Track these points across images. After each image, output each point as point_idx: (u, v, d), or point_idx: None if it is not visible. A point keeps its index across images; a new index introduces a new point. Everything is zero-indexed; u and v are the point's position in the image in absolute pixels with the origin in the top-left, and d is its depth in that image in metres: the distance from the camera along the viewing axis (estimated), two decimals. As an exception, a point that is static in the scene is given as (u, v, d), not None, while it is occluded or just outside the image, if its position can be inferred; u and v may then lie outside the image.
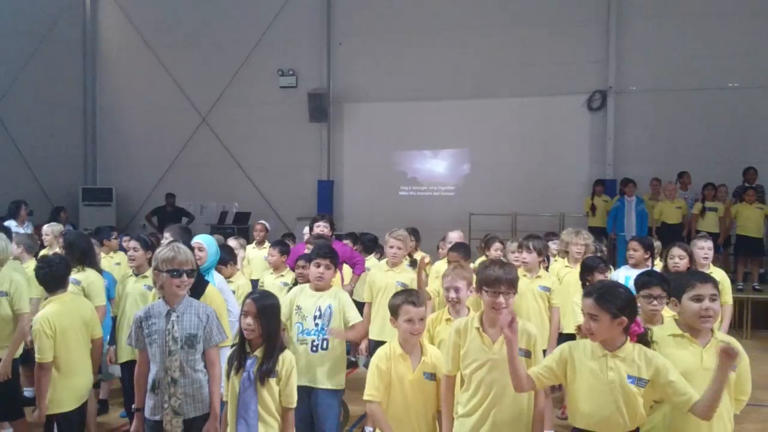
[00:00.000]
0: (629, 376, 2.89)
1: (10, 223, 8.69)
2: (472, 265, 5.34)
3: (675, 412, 3.00)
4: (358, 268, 6.59)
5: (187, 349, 3.54)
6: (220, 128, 14.97)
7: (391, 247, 5.65)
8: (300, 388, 4.01)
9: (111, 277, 5.88)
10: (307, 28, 14.33)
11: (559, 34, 12.86)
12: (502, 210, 12.69)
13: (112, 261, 6.83)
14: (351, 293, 5.49)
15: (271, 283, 6.27)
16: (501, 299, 3.30)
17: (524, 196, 12.89)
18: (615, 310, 2.89)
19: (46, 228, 7.43)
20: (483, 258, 6.34)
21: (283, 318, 4.03)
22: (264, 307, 3.38)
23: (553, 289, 5.45)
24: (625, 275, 5.37)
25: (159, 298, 3.71)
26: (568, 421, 3.19)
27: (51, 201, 14.21)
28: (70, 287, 4.60)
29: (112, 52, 15.88)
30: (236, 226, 13.52)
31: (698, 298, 3.08)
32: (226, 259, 5.40)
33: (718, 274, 5.42)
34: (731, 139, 11.99)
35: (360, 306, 5.08)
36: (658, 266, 5.66)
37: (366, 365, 4.36)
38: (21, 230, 8.62)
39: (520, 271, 5.53)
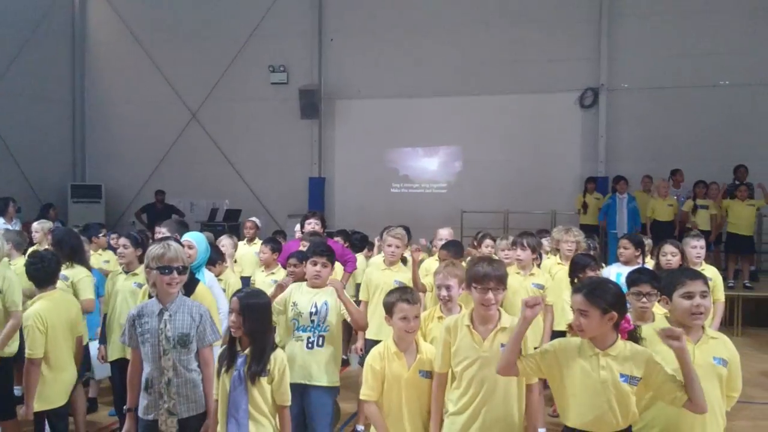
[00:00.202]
0: (622, 375, 2.88)
1: (-2, 220, 8.63)
2: (464, 263, 5.33)
3: (668, 409, 2.99)
4: (350, 266, 6.58)
5: (179, 348, 3.49)
6: (210, 124, 14.89)
7: (390, 245, 5.63)
8: (294, 386, 3.99)
9: (99, 275, 5.84)
10: (298, 24, 14.27)
11: (551, 32, 12.87)
12: (494, 207, 12.70)
13: (101, 259, 6.79)
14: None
15: (262, 280, 6.23)
16: (490, 295, 3.28)
17: (516, 193, 12.91)
18: (605, 305, 2.87)
19: (35, 225, 7.37)
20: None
21: (277, 315, 4.00)
22: (248, 306, 3.33)
23: (546, 286, 5.45)
24: (616, 272, 5.38)
25: (153, 296, 3.67)
26: (559, 419, 3.17)
27: (39, 198, 14.11)
28: (59, 283, 4.62)
29: (101, 47, 15.75)
30: (227, 223, 13.45)
31: (689, 295, 3.08)
32: (214, 258, 5.36)
33: (711, 271, 5.45)
34: (722, 136, 12.05)
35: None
36: (650, 263, 5.67)
37: (361, 364, 4.34)
38: (9, 227, 8.54)
39: (514, 269, 5.55)
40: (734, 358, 3.17)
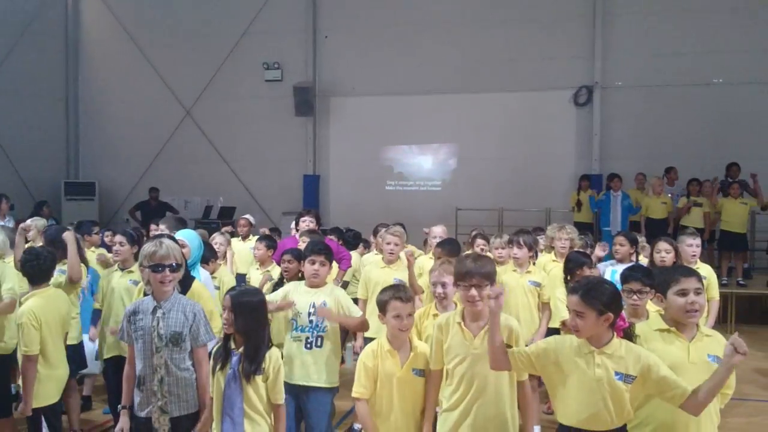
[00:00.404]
0: (617, 373, 2.88)
1: (-9, 218, 8.58)
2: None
3: (662, 407, 3.00)
4: (344, 264, 6.57)
5: (171, 347, 3.47)
6: (204, 122, 14.84)
7: (388, 243, 5.62)
8: (293, 386, 3.97)
9: (94, 271, 5.82)
10: (292, 21, 14.24)
11: (545, 30, 12.89)
12: (489, 205, 12.72)
13: (94, 256, 6.74)
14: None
15: (257, 278, 6.23)
16: (473, 292, 3.27)
17: (511, 191, 12.92)
18: (601, 307, 2.87)
19: (28, 222, 7.31)
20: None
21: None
22: (240, 303, 3.32)
23: (543, 284, 5.45)
24: (611, 269, 5.40)
25: (148, 293, 3.66)
26: (554, 416, 3.18)
27: (33, 195, 14.05)
28: (56, 277, 4.63)
29: (94, 44, 15.68)
30: (221, 220, 13.40)
31: (683, 293, 3.07)
32: (207, 256, 5.34)
33: (705, 269, 5.46)
34: (716, 134, 12.10)
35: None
36: (645, 261, 5.69)
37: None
38: (2, 224, 8.49)
39: (511, 267, 5.55)
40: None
